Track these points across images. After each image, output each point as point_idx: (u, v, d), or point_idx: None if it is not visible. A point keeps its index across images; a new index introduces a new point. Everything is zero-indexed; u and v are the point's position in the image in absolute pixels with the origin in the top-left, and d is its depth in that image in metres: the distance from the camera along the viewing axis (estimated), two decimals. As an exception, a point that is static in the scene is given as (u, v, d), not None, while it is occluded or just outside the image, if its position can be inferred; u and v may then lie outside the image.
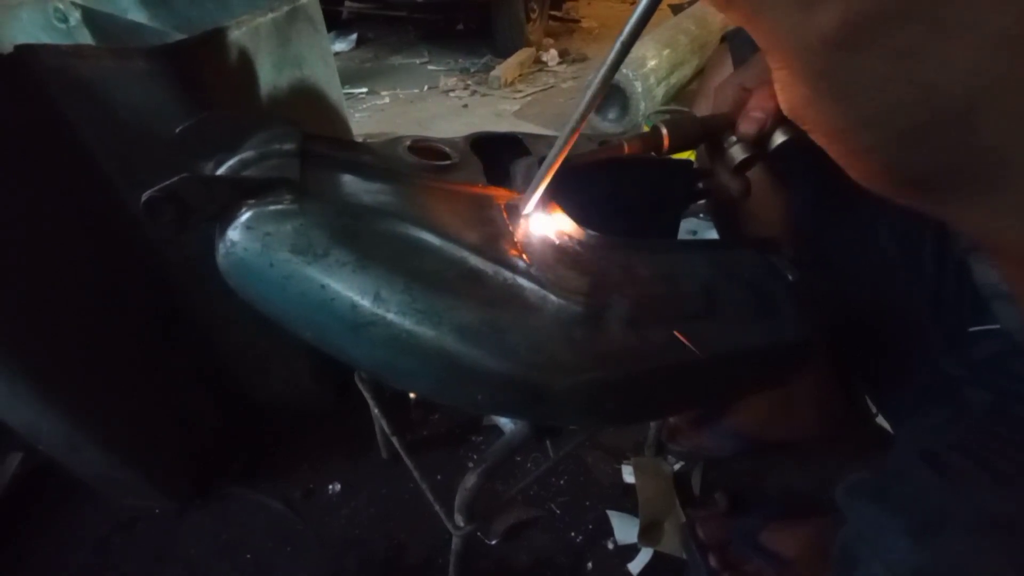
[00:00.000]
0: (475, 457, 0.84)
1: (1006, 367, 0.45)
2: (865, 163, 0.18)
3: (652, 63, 1.75)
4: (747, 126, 0.38)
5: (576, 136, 0.33)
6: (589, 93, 0.30)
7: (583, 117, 0.31)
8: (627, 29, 0.26)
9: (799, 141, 0.33)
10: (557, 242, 0.40)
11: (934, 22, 0.14)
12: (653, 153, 0.40)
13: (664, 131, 0.39)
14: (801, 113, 0.19)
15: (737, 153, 0.39)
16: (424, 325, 0.31)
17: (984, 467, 0.38)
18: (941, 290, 0.50)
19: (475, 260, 0.35)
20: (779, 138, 0.38)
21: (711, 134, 0.40)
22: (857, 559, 0.38)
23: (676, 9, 2.53)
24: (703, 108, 0.61)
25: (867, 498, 0.42)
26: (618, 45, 0.27)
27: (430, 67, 2.59)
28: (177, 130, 0.34)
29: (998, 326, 0.45)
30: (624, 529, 0.74)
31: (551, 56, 2.62)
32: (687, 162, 0.57)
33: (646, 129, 0.40)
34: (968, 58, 0.14)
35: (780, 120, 0.37)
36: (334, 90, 0.73)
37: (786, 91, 0.19)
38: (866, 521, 0.40)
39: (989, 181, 0.16)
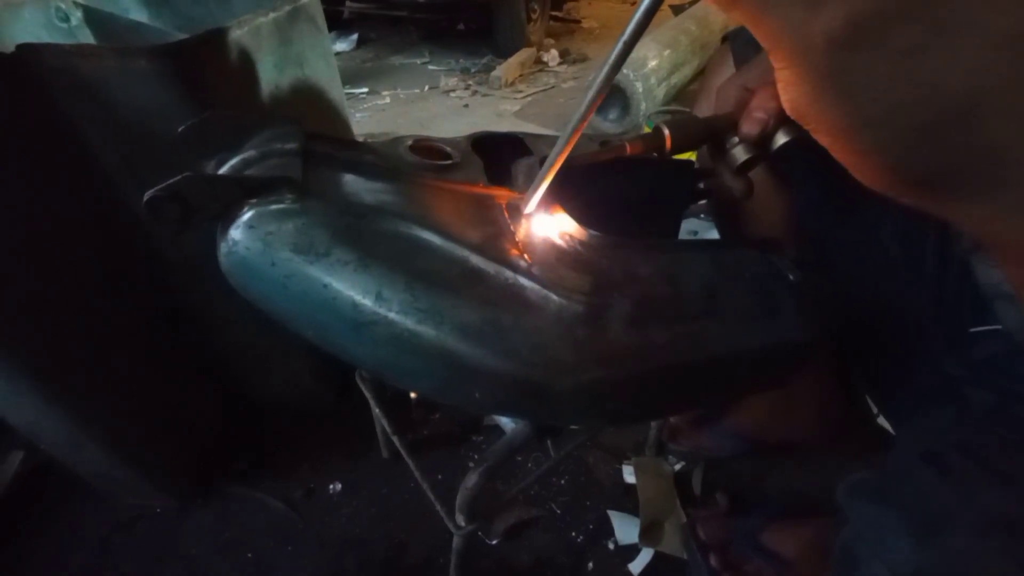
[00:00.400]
0: (476, 457, 0.84)
1: (1007, 367, 0.45)
2: (868, 162, 0.18)
3: (653, 63, 1.75)
4: (749, 126, 0.38)
5: (578, 136, 0.33)
6: (590, 93, 0.30)
7: (584, 117, 0.31)
8: (629, 29, 0.26)
9: (801, 141, 0.33)
10: (559, 242, 0.40)
11: (934, 22, 0.14)
12: (655, 153, 0.40)
13: (666, 131, 0.39)
14: (804, 112, 0.19)
15: (739, 154, 0.39)
16: (426, 324, 0.31)
17: (985, 467, 0.38)
18: (943, 290, 0.50)
19: (477, 259, 0.35)
20: (781, 139, 0.38)
21: (713, 135, 0.40)
22: (858, 559, 0.38)
23: (677, 9, 2.53)
24: (704, 109, 0.61)
25: (868, 498, 0.42)
26: (620, 45, 0.27)
27: (431, 67, 2.59)
28: (179, 129, 0.34)
29: (999, 326, 0.45)
30: (625, 529, 0.74)
31: (552, 56, 2.62)
32: (688, 162, 0.57)
33: (647, 130, 0.40)
34: (968, 58, 0.14)
35: (782, 120, 0.37)
36: (335, 90, 0.73)
37: (789, 90, 0.19)
38: (867, 521, 0.40)
39: (991, 181, 0.16)
